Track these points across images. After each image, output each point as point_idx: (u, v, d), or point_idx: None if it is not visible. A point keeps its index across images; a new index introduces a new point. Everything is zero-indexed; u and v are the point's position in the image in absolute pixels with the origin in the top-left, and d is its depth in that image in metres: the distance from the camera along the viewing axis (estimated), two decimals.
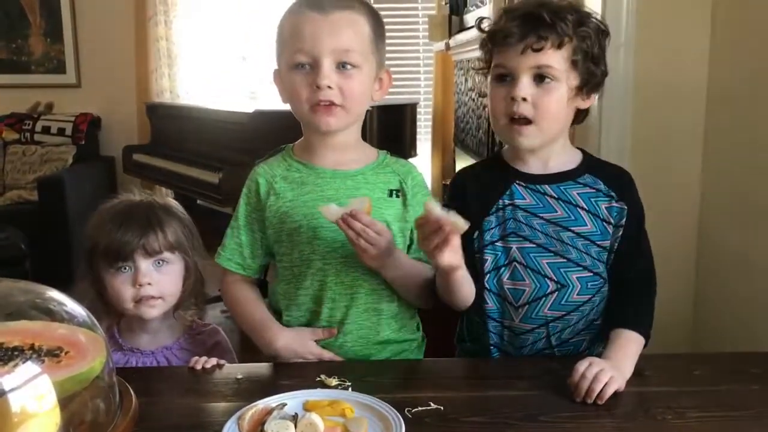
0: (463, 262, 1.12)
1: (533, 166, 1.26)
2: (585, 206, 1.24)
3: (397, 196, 1.27)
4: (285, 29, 1.22)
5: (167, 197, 1.39)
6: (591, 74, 1.22)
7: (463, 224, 1.05)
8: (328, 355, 1.25)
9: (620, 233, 1.24)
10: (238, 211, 1.31)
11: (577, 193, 1.25)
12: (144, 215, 1.27)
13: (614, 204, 1.25)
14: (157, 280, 1.26)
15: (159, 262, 1.26)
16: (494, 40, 1.21)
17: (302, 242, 1.24)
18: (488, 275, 1.23)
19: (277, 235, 1.27)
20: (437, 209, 1.05)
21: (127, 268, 1.25)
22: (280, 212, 1.25)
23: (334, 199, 1.21)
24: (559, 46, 1.18)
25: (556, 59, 1.18)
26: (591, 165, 1.29)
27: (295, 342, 1.24)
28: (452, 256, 1.08)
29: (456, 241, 1.07)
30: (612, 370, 1.06)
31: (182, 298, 1.31)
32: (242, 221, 1.30)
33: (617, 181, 1.27)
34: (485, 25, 1.28)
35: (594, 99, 1.26)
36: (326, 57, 1.17)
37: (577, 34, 1.19)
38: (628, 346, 1.15)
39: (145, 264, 1.25)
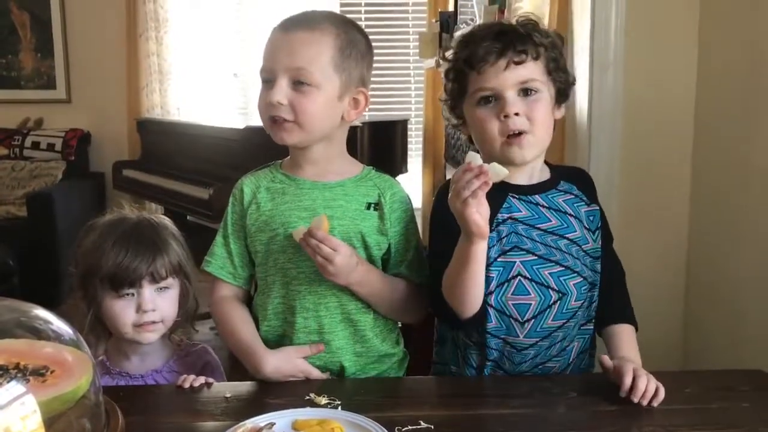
0: (487, 233, 1.10)
1: (520, 178, 1.27)
2: (572, 212, 1.27)
3: (375, 209, 1.28)
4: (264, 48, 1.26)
5: (159, 213, 1.38)
6: (564, 82, 1.26)
7: (505, 171, 1.06)
8: (316, 372, 1.24)
9: (599, 237, 1.29)
10: (226, 220, 1.33)
11: (563, 200, 1.28)
12: (149, 239, 1.26)
13: (589, 208, 1.30)
14: (159, 305, 1.24)
15: (161, 288, 1.25)
16: (472, 63, 1.21)
17: (277, 251, 1.26)
18: (492, 294, 1.21)
19: (253, 245, 1.29)
20: (479, 159, 1.06)
21: (131, 294, 1.23)
22: (259, 221, 1.28)
23: (311, 209, 1.24)
24: (537, 57, 1.21)
25: (537, 71, 1.21)
26: (559, 172, 1.33)
27: (283, 363, 1.22)
28: (481, 216, 1.06)
29: (486, 204, 1.06)
30: (646, 372, 1.12)
31: (178, 321, 1.30)
32: (230, 230, 1.31)
33: (584, 183, 1.33)
34: (449, 54, 1.28)
35: (563, 110, 1.30)
36: (281, 74, 1.20)
37: (548, 45, 1.23)
38: (634, 341, 1.27)
39: (149, 290, 1.23)
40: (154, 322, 1.24)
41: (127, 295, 1.23)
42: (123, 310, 1.23)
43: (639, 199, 2.10)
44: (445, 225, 1.15)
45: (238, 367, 1.30)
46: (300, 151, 1.28)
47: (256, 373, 1.23)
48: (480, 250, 1.10)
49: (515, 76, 1.19)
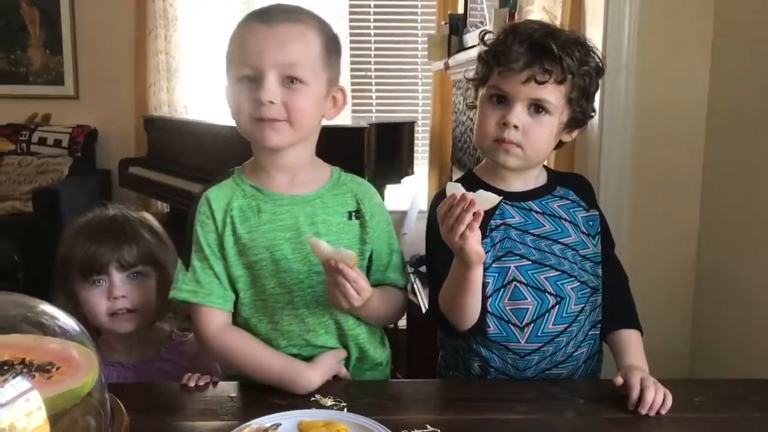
0: (484, 257, 1.09)
1: (514, 184, 1.27)
2: (567, 217, 1.27)
3: (357, 218, 1.22)
4: (232, 42, 1.16)
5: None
6: (582, 112, 1.24)
7: (495, 197, 1.04)
8: (344, 371, 1.23)
9: (600, 242, 1.28)
10: (199, 241, 1.18)
11: (557, 206, 1.28)
12: (118, 228, 1.28)
13: (588, 213, 1.29)
14: (130, 293, 1.25)
15: (133, 275, 1.26)
16: (498, 60, 1.20)
17: (265, 276, 1.18)
18: (489, 299, 1.21)
19: (233, 269, 1.18)
20: (461, 188, 1.03)
21: (101, 281, 1.25)
22: (238, 244, 1.18)
23: (294, 228, 1.18)
24: (561, 81, 1.18)
25: (555, 95, 1.19)
26: (557, 177, 1.32)
27: (327, 373, 1.18)
28: (479, 243, 1.05)
29: (479, 230, 1.04)
30: (654, 380, 1.11)
31: (157, 312, 1.30)
32: (208, 251, 1.17)
33: (582, 188, 1.33)
34: (489, 38, 1.27)
35: (575, 135, 1.28)
36: (270, 71, 1.11)
37: (578, 72, 1.19)
38: (640, 347, 1.24)
39: (119, 277, 1.25)
40: (129, 311, 1.25)
41: (97, 282, 1.25)
42: (95, 298, 1.25)
43: (649, 204, 2.09)
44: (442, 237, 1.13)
45: None
46: (271, 156, 1.18)
47: (301, 391, 1.13)
48: (479, 274, 1.10)
49: (531, 91, 1.18)
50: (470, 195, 1.02)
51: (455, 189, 1.03)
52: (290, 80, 1.12)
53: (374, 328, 1.29)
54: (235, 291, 1.20)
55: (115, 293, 1.24)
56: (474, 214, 1.02)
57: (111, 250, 1.24)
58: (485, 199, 1.03)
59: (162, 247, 1.31)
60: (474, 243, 1.04)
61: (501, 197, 1.06)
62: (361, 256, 1.22)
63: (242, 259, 1.18)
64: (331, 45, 1.18)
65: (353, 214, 1.22)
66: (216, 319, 1.18)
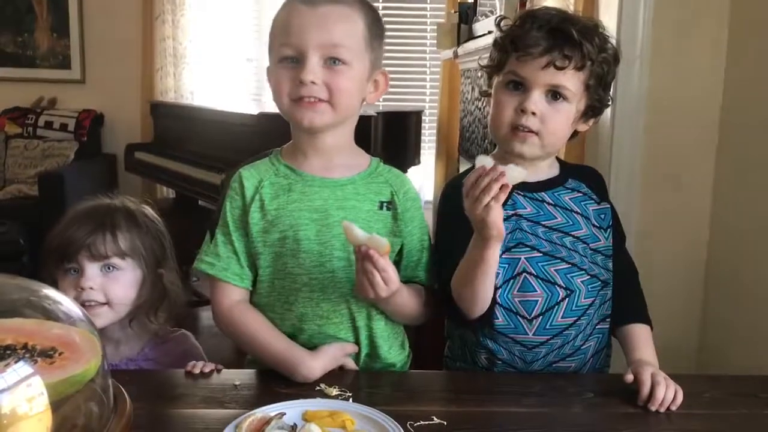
0: (504, 235, 1.07)
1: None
2: (578, 210, 1.26)
3: (388, 209, 1.21)
4: (276, 23, 1.17)
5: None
6: (600, 100, 1.23)
7: (523, 173, 1.03)
8: (352, 364, 1.21)
9: (611, 235, 1.27)
10: (225, 216, 1.20)
11: (569, 198, 1.27)
12: (98, 217, 1.23)
13: (599, 206, 1.29)
14: (102, 285, 1.20)
15: (108, 268, 1.21)
16: (516, 46, 1.19)
17: (286, 254, 1.17)
18: (498, 290, 1.19)
19: (256, 246, 1.19)
20: (491, 161, 1.02)
21: (74, 270, 1.21)
22: (264, 221, 1.18)
23: (322, 210, 1.17)
24: (580, 68, 1.17)
25: (573, 81, 1.18)
26: (569, 169, 1.31)
27: (330, 364, 1.16)
28: (501, 218, 1.03)
29: (500, 206, 1.02)
30: (665, 376, 1.10)
31: (137, 309, 1.24)
32: (232, 227, 1.19)
33: (594, 181, 1.32)
34: (505, 24, 1.25)
35: (591, 124, 1.27)
36: (313, 51, 1.11)
37: (597, 59, 1.18)
38: (650, 341, 1.23)
39: (91, 267, 1.20)
40: (100, 304, 1.19)
41: (71, 270, 1.21)
42: (65, 286, 1.20)
43: (660, 198, 2.07)
44: (453, 224, 1.12)
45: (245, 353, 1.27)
46: (309, 138, 1.18)
47: (299, 379, 1.13)
48: (495, 254, 1.08)
49: (550, 77, 1.17)
50: (501, 167, 1.01)
51: (485, 161, 1.02)
52: (332, 61, 1.12)
53: (396, 327, 1.27)
54: (256, 268, 1.20)
55: (82, 284, 1.19)
56: (501, 186, 1.00)
57: (83, 237, 1.19)
58: (514, 175, 1.02)
59: (153, 242, 1.26)
60: (497, 216, 1.02)
61: (526, 171, 1.05)
62: (391, 250, 1.19)
63: (266, 237, 1.18)
64: (375, 27, 1.18)
65: (385, 204, 1.21)
66: (230, 294, 1.19)
